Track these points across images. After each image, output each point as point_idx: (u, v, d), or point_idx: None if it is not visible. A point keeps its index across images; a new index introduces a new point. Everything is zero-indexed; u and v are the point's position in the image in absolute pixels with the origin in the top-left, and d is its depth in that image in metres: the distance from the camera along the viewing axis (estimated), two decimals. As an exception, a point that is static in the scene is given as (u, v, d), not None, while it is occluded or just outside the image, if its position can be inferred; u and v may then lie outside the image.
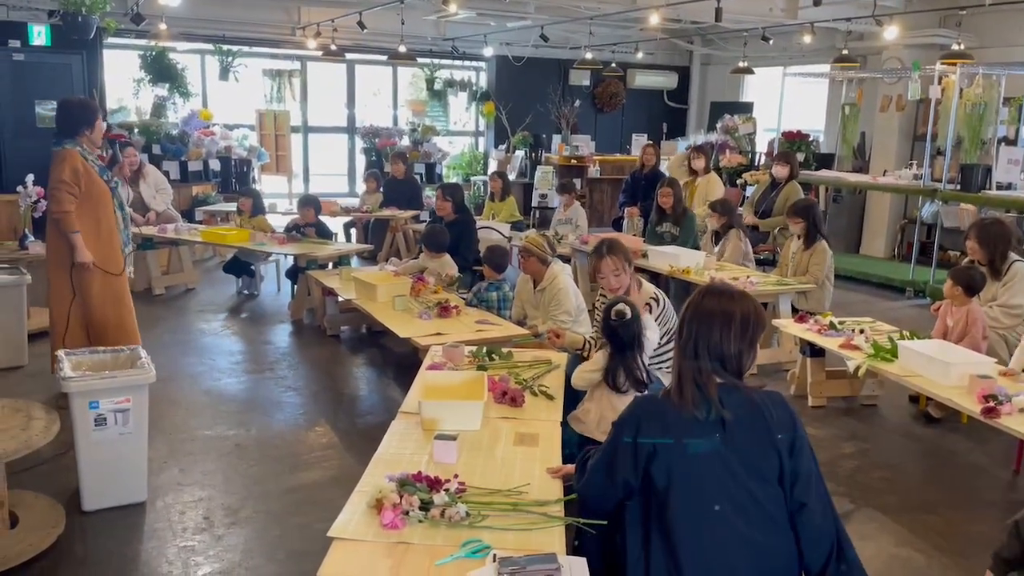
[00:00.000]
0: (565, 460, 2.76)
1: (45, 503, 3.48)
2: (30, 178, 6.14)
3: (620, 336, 3.11)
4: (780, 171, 7.63)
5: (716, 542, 2.10)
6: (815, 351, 5.04)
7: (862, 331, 4.80)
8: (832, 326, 4.94)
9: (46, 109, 10.05)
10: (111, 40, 10.29)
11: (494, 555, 2.11)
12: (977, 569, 3.31)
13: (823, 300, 5.93)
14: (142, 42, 10.17)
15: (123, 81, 10.59)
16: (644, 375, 3.13)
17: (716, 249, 6.70)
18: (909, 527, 3.65)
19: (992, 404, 3.58)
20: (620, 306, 3.12)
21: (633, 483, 2.21)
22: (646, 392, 3.12)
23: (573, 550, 2.36)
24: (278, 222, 8.38)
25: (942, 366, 3.98)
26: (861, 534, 3.57)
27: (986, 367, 4.02)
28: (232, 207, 8.91)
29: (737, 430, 2.14)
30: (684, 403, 2.16)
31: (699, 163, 8.24)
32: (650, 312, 3.77)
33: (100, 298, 4.64)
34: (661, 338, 3.65)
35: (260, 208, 8.02)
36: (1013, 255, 5.13)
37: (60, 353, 3.72)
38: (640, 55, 12.42)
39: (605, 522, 2.30)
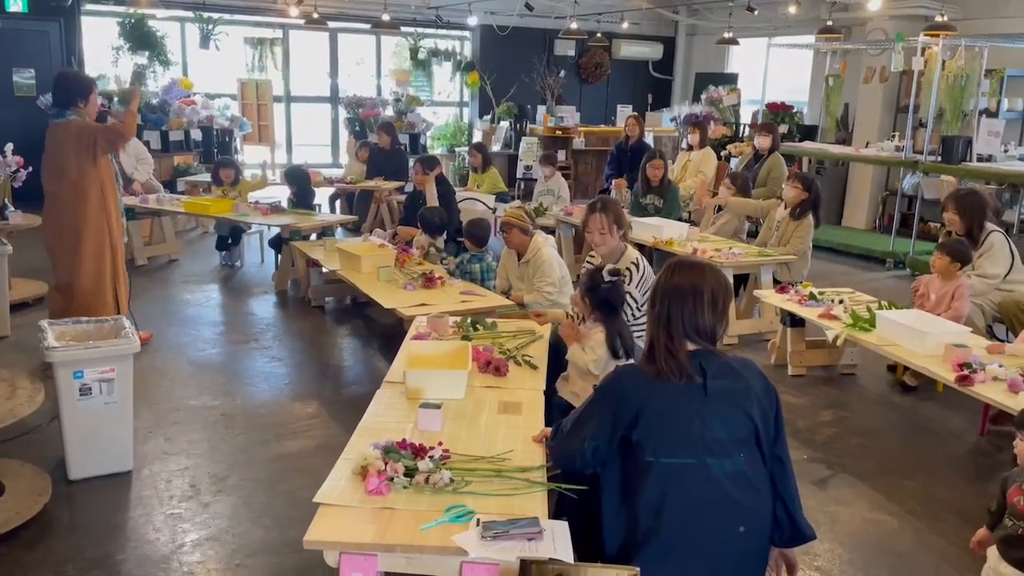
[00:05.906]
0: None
1: (31, 472, 3.50)
2: (9, 147, 6.05)
3: (611, 301, 3.15)
4: (762, 142, 7.61)
5: (694, 502, 2.16)
6: (795, 321, 5.11)
7: (841, 301, 4.87)
8: (812, 296, 5.00)
9: (23, 78, 9.91)
10: (89, 7, 10.14)
11: (478, 519, 2.15)
12: (948, 531, 3.41)
13: (802, 270, 6.01)
14: (121, 9, 9.98)
15: (102, 49, 10.40)
16: (631, 339, 3.17)
17: (715, 222, 6.72)
18: (884, 492, 3.74)
19: (966, 372, 3.66)
20: (610, 266, 3.17)
21: (603, 447, 2.28)
22: (631, 360, 3.16)
23: (554, 514, 2.41)
24: (259, 193, 8.31)
25: (918, 335, 4.05)
26: (838, 499, 3.66)
27: (962, 336, 4.09)
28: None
29: (716, 395, 2.21)
30: (656, 371, 2.23)
31: (694, 137, 8.28)
32: (630, 278, 3.79)
33: (95, 265, 4.62)
34: (642, 305, 3.69)
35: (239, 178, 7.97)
36: (989, 225, 5.21)
37: (43, 323, 3.71)
38: (625, 25, 12.35)
39: (586, 487, 2.35)
